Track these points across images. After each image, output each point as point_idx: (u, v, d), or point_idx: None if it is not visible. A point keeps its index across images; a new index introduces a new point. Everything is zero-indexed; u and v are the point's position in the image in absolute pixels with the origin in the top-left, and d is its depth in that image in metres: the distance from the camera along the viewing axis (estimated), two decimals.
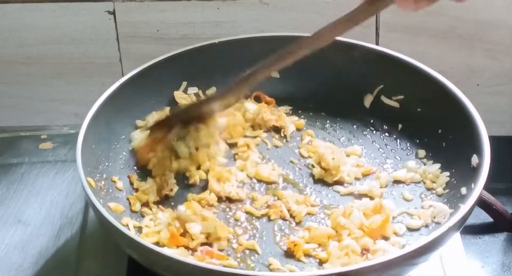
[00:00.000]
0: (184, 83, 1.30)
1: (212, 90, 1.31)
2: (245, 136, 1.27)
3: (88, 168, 1.12)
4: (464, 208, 1.04)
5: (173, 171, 1.19)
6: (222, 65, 1.30)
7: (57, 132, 1.37)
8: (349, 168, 1.20)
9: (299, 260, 1.08)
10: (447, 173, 1.18)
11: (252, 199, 1.17)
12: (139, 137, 1.22)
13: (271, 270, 1.06)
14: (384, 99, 1.29)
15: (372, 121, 1.29)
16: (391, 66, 1.27)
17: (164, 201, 1.16)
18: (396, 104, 1.28)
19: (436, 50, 1.43)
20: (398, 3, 1.00)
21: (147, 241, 1.04)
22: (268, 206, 1.15)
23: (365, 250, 1.07)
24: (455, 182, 1.16)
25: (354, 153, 1.23)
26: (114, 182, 1.17)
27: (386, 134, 1.27)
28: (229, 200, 1.17)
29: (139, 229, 1.12)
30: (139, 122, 1.24)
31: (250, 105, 1.29)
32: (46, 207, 1.22)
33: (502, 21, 1.41)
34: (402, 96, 1.27)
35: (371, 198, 1.16)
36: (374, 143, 1.26)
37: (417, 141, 1.25)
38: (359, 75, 1.30)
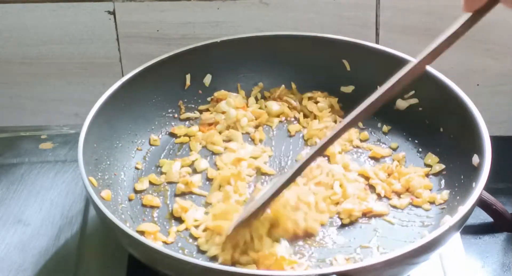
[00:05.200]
0: (188, 81, 1.31)
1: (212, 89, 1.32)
2: None
3: (89, 167, 1.12)
4: (464, 208, 1.04)
5: None
6: (224, 64, 1.31)
7: (57, 132, 1.37)
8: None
9: None
10: (448, 173, 1.18)
11: None
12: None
13: None
14: None
15: (372, 120, 1.29)
16: (391, 65, 1.27)
17: None
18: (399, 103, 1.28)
19: None
20: (504, 2, 0.97)
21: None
22: None
23: None
24: (455, 181, 1.16)
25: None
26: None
27: (387, 133, 1.28)
28: None
29: None
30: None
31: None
32: (46, 207, 1.22)
33: (502, 21, 1.41)
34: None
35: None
36: (374, 143, 1.27)
37: (417, 141, 1.25)
38: (360, 75, 1.30)
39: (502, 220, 1.25)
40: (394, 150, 1.25)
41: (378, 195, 1.17)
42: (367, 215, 1.14)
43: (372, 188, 1.18)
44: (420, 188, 1.16)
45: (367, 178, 1.20)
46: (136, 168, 1.23)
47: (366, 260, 1.07)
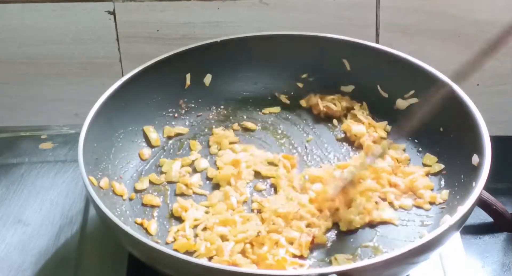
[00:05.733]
0: (188, 80, 1.31)
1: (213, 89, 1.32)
2: None
3: (89, 166, 1.12)
4: (464, 208, 1.04)
5: None
6: (224, 64, 1.31)
7: (57, 132, 1.37)
8: None
9: None
10: (448, 172, 1.18)
11: None
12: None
13: None
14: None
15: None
16: (391, 65, 1.27)
17: None
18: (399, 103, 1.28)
19: (436, 50, 1.43)
20: None
21: None
22: None
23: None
24: (455, 181, 1.16)
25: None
26: (113, 186, 1.18)
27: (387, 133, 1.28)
28: None
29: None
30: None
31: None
32: (46, 207, 1.22)
33: (502, 21, 1.41)
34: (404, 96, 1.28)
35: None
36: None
37: (416, 141, 1.25)
38: (360, 74, 1.30)
39: (502, 220, 1.25)
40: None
41: (383, 199, 1.17)
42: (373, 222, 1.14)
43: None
44: (422, 188, 1.16)
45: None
46: (136, 168, 1.23)
47: (366, 259, 1.07)
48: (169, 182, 1.21)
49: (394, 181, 1.17)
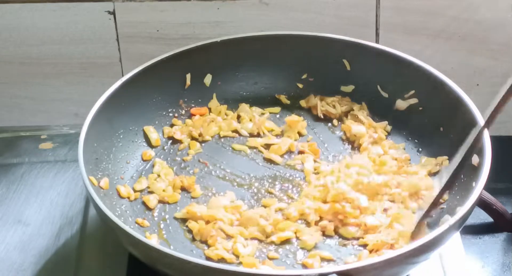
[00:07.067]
0: (188, 80, 1.31)
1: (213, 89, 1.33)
2: None
3: (90, 166, 1.12)
4: (464, 208, 1.04)
5: None
6: (224, 64, 1.31)
7: (57, 132, 1.37)
8: None
9: None
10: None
11: None
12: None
13: None
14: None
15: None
16: (391, 65, 1.27)
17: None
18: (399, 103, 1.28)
19: (436, 50, 1.43)
20: None
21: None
22: None
23: None
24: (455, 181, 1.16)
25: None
26: (118, 190, 1.18)
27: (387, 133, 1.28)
28: None
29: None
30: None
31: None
32: (46, 207, 1.22)
33: (502, 21, 1.41)
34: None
35: None
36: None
37: (416, 141, 1.25)
38: (360, 74, 1.30)
39: (502, 220, 1.25)
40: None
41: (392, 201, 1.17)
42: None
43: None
44: (424, 189, 1.16)
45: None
46: (137, 168, 1.23)
47: (366, 259, 1.07)
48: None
49: (398, 182, 1.17)
